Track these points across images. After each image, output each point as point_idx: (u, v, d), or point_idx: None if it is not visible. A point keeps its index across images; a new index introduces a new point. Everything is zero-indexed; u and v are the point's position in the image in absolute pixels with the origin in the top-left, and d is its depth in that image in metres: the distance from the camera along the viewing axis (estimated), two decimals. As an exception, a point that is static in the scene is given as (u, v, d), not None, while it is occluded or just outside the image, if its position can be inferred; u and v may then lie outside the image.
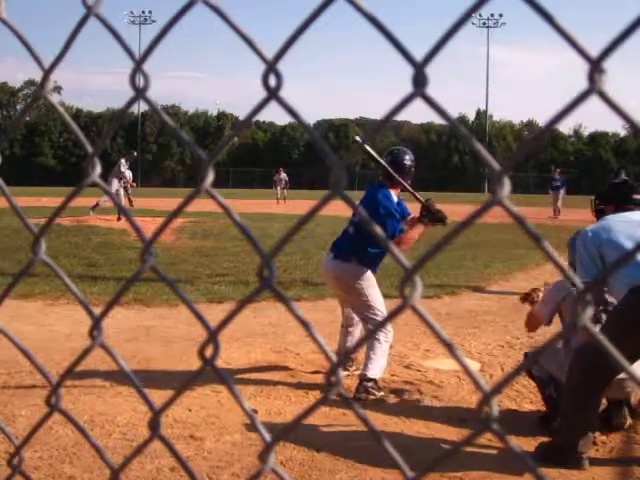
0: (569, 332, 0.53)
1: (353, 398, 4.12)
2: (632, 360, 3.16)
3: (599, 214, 3.74)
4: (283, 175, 32.90)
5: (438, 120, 66.43)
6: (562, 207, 23.91)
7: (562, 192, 24.38)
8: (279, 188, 32.57)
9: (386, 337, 4.31)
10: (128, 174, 17.52)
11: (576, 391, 3.31)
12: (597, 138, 77.60)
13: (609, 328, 3.20)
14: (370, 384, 4.20)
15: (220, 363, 4.08)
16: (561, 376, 3.57)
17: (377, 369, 4.23)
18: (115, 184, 16.95)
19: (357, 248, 4.26)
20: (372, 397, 4.17)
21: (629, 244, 3.27)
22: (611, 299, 3.58)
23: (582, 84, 0.49)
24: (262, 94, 0.64)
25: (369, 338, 0.65)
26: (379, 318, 4.26)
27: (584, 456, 3.23)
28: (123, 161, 17.28)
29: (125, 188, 18.06)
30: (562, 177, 25.23)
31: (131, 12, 74.93)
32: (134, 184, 18.33)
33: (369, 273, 4.36)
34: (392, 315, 0.60)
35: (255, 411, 3.85)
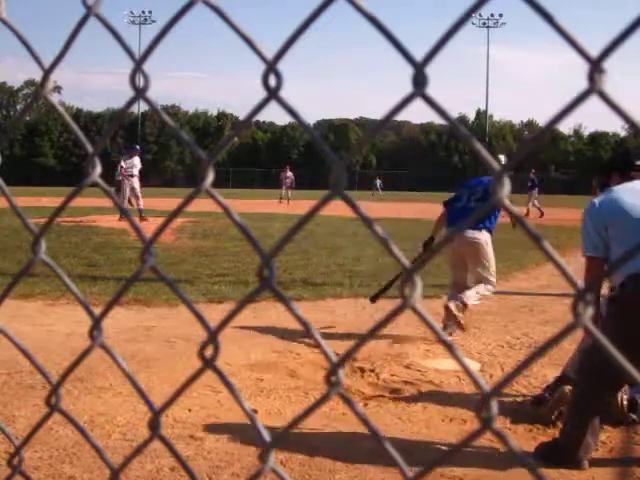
0: (569, 332, 0.53)
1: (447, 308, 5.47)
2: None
3: (603, 188, 3.66)
4: (289, 174, 32.39)
5: (438, 120, 66.46)
6: (532, 207, 24.26)
7: (534, 192, 24.85)
8: (284, 187, 32.17)
9: (493, 287, 5.78)
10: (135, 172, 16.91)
11: (581, 396, 3.30)
12: (597, 138, 77.66)
13: (610, 324, 3.18)
14: (460, 306, 5.48)
15: (220, 363, 4.09)
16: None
17: (472, 299, 5.57)
18: (134, 183, 16.43)
19: (484, 219, 5.48)
20: (455, 318, 5.47)
21: (635, 213, 3.27)
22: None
23: (582, 84, 0.49)
24: (262, 94, 0.64)
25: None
26: (493, 278, 5.75)
27: (584, 458, 3.22)
28: (137, 160, 16.60)
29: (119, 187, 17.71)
30: (535, 177, 25.59)
31: (131, 12, 74.99)
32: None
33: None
34: (392, 315, 0.59)
35: (255, 411, 3.85)
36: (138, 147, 17.84)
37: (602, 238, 3.35)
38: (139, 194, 16.52)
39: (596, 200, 3.49)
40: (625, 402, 3.69)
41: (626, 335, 2.95)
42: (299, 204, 25.51)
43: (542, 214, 23.61)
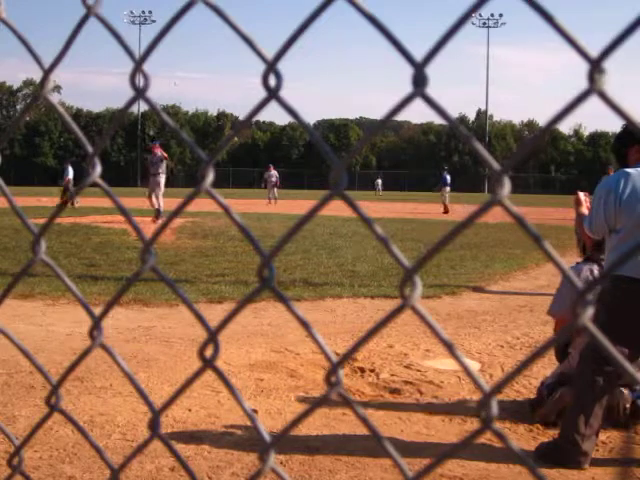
0: (569, 333, 0.53)
1: None
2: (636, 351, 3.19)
3: (620, 158, 3.46)
4: (273, 172, 31.90)
5: (438, 120, 66.52)
6: (448, 203, 25.83)
7: (447, 189, 26.37)
8: (269, 187, 31.63)
9: None
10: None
11: (580, 396, 3.30)
12: (597, 138, 77.70)
13: (602, 321, 3.16)
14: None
15: (220, 363, 4.07)
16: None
17: None
18: (158, 182, 15.93)
19: None
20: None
21: None
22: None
23: (582, 84, 0.49)
24: (262, 94, 0.64)
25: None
26: None
27: (588, 456, 3.21)
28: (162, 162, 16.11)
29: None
30: (444, 174, 26.97)
31: (131, 12, 75.13)
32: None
33: None
34: (392, 315, 0.59)
35: (255, 411, 3.85)
36: (153, 142, 17.37)
37: (607, 224, 3.25)
38: (157, 193, 16.01)
39: (613, 181, 3.26)
40: (628, 406, 3.68)
41: (622, 332, 2.97)
42: (296, 204, 25.55)
43: (445, 211, 24.95)
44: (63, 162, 25.38)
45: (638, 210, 3.20)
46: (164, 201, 16.02)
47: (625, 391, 3.67)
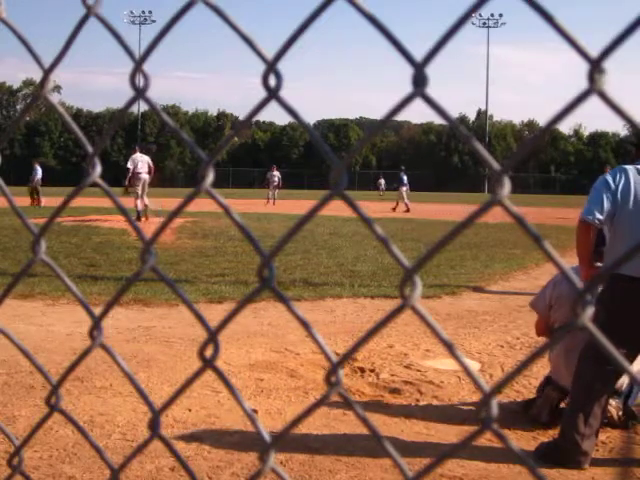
0: (567, 332, 0.53)
1: None
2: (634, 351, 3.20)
3: (632, 159, 3.55)
4: (276, 173, 31.92)
5: (438, 120, 66.53)
6: (401, 202, 26.80)
7: (404, 188, 27.26)
8: (271, 187, 31.64)
9: None
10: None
11: (578, 396, 3.30)
12: (597, 138, 77.73)
13: (602, 320, 3.16)
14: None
15: (220, 363, 4.06)
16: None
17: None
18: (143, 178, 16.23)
19: None
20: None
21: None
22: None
23: (582, 84, 0.49)
24: (262, 94, 0.63)
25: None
26: None
27: (588, 456, 3.21)
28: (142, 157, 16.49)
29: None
30: (402, 175, 27.82)
31: (131, 12, 75.16)
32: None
33: None
34: (392, 315, 0.59)
35: (255, 411, 3.85)
36: (136, 147, 17.83)
37: (610, 210, 3.26)
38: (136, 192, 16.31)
39: (610, 175, 3.32)
40: (621, 414, 3.68)
41: (621, 332, 2.97)
42: (289, 204, 25.53)
43: (408, 209, 25.81)
44: (33, 162, 25.79)
45: (631, 204, 3.25)
46: (145, 201, 16.26)
47: (614, 402, 3.65)
